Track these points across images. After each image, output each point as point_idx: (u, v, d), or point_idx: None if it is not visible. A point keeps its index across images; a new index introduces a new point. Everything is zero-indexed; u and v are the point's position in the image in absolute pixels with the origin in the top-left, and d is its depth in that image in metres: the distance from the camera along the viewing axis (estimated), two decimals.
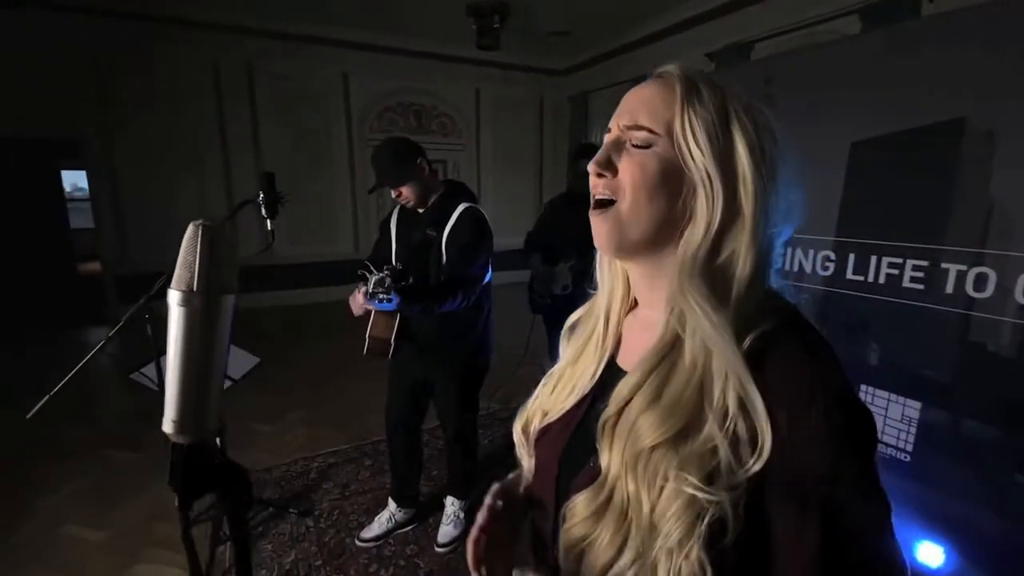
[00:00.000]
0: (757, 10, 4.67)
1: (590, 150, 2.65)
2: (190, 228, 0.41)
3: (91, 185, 5.87)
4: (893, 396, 2.17)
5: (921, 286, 2.04)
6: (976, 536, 1.92)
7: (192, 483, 0.44)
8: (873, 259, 2.18)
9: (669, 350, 0.51)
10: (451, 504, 2.20)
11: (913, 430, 2.10)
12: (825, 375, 0.46)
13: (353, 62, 6.39)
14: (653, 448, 0.46)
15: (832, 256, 2.33)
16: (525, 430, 0.68)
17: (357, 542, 2.12)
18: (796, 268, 2.47)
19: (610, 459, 0.49)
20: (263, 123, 6.14)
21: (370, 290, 1.43)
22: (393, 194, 1.88)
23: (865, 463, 0.46)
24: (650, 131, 0.53)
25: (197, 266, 0.40)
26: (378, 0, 5.09)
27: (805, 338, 0.49)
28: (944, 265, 1.96)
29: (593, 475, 0.51)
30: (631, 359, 0.57)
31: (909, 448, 2.11)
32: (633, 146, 0.54)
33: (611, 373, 0.60)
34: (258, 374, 2.25)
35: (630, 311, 0.64)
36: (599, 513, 0.48)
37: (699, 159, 0.51)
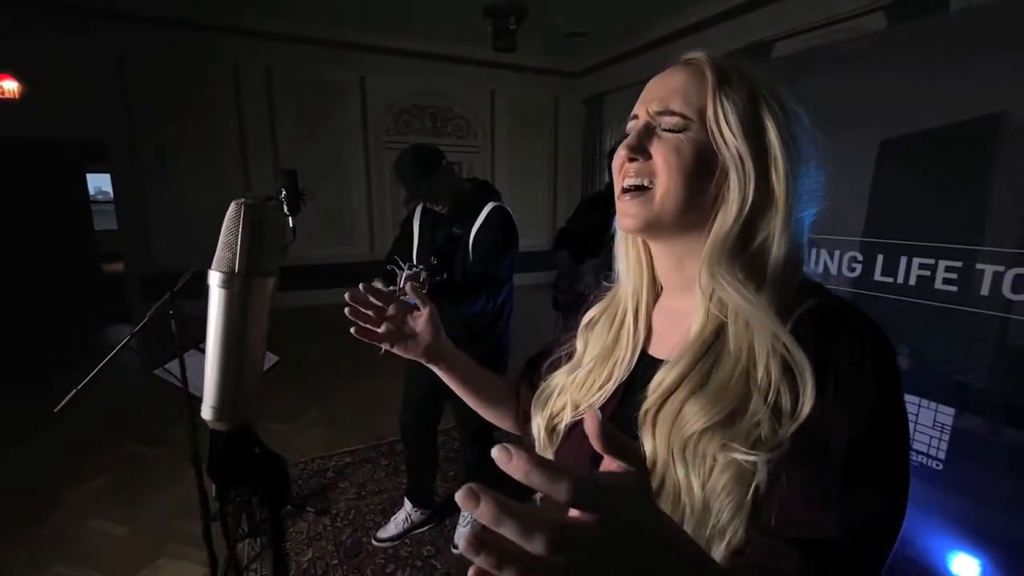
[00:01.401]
0: (777, 8, 4.60)
1: None
2: (232, 207, 0.40)
3: (116, 187, 6.00)
4: (924, 402, 2.10)
5: (954, 288, 1.97)
6: (1014, 548, 1.85)
7: (230, 472, 0.42)
8: (903, 260, 2.12)
9: (714, 339, 0.50)
10: None
11: (946, 437, 2.03)
12: (877, 348, 0.47)
13: (370, 65, 6.43)
14: (701, 433, 0.45)
15: (859, 257, 2.27)
16: (550, 427, 0.67)
17: (374, 542, 2.11)
18: (821, 269, 2.42)
19: (655, 447, 0.49)
20: (281, 125, 6.21)
21: (401, 283, 1.41)
22: (431, 206, 1.88)
23: (902, 435, 0.46)
24: (683, 116, 0.52)
25: (239, 247, 0.38)
26: (395, 3, 5.13)
27: (846, 312, 0.50)
28: (979, 266, 1.89)
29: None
30: (666, 349, 0.56)
31: (942, 456, 2.04)
32: (664, 130, 0.52)
33: (644, 364, 0.59)
34: (274, 374, 2.25)
35: (656, 301, 0.63)
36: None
37: (732, 143, 0.51)
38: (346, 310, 0.65)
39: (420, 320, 0.69)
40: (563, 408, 0.65)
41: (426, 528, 2.20)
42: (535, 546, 0.24)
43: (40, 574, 1.98)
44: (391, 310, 0.67)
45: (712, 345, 0.50)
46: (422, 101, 6.94)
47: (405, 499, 2.20)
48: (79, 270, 7.68)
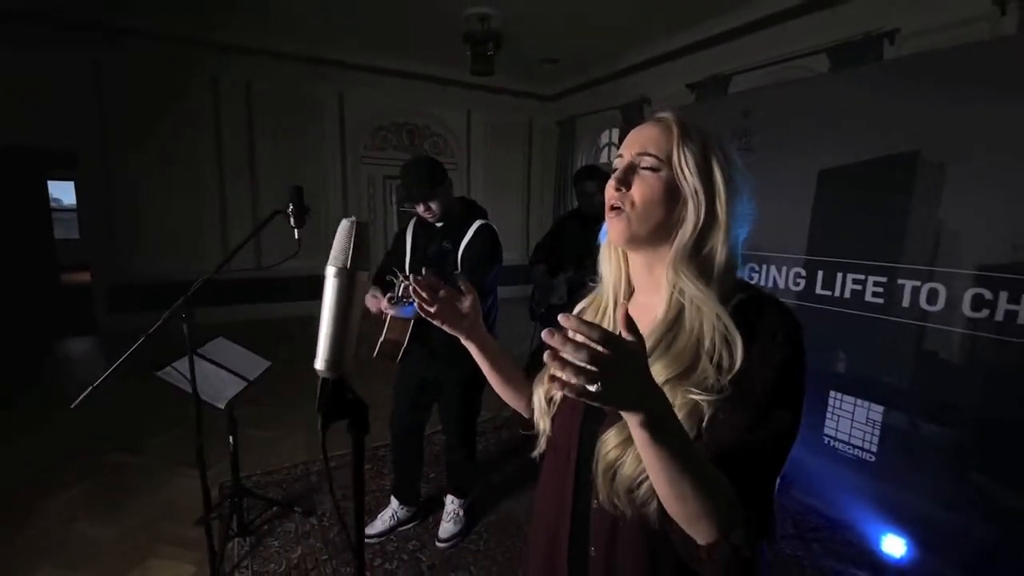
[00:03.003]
0: (735, 45, 5.01)
1: (592, 172, 2.89)
2: (345, 222, 0.56)
3: (84, 196, 5.91)
4: (859, 401, 2.37)
5: (881, 300, 2.26)
6: (934, 529, 2.11)
7: (332, 409, 0.58)
8: (839, 276, 2.41)
9: (675, 320, 0.68)
10: (451, 502, 2.31)
11: (877, 432, 2.30)
12: (786, 328, 0.65)
13: (349, 81, 6.57)
14: (665, 383, 0.63)
15: (803, 273, 2.55)
16: (547, 398, 0.84)
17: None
18: (771, 283, 2.69)
19: None
20: (259, 138, 6.26)
21: (398, 294, 1.56)
22: (420, 209, 2.02)
23: (798, 390, 0.64)
24: (656, 158, 0.71)
25: (350, 251, 0.55)
26: (375, 24, 5.31)
27: (768, 303, 0.69)
28: (900, 281, 2.19)
29: (617, 415, 0.67)
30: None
31: (874, 449, 2.31)
32: (643, 169, 0.72)
33: None
34: (258, 382, 2.33)
35: (631, 297, 0.82)
36: (627, 440, 0.64)
37: (691, 180, 0.70)
38: (411, 290, 0.81)
39: (466, 303, 0.86)
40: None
41: (411, 524, 2.32)
42: (581, 357, 0.44)
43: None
44: (443, 293, 0.83)
45: (673, 325, 0.69)
46: (400, 118, 7.11)
47: (392, 497, 2.32)
48: (39, 280, 7.44)
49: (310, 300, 6.74)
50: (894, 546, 2.15)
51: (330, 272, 0.55)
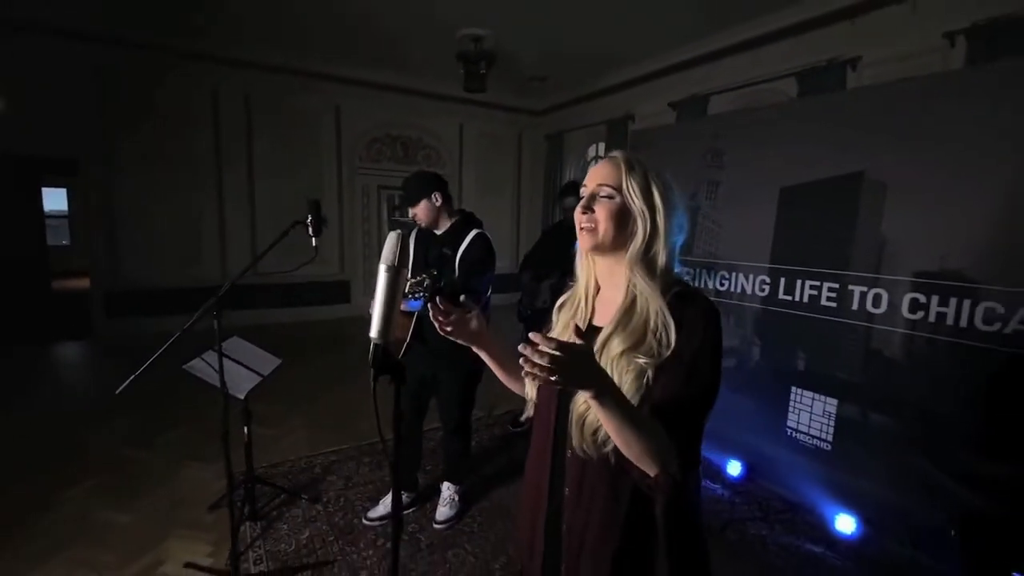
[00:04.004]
0: (713, 68, 5.33)
1: (573, 188, 3.20)
2: (392, 234, 0.78)
3: (82, 203, 6.03)
4: (818, 396, 2.63)
5: (835, 304, 2.53)
6: (880, 508, 2.36)
7: (381, 366, 0.78)
8: (799, 282, 2.67)
9: (630, 307, 0.91)
10: (447, 489, 2.51)
11: (832, 423, 2.56)
12: (707, 314, 0.88)
13: (345, 95, 6.80)
14: (621, 353, 0.86)
15: (767, 280, 2.82)
16: None
17: (364, 521, 2.40)
18: (739, 289, 2.95)
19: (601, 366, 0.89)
20: (258, 149, 6.44)
21: (407, 290, 1.76)
22: (410, 213, 2.30)
23: (717, 362, 0.87)
24: (611, 187, 0.94)
25: (396, 253, 0.77)
26: (371, 40, 5.55)
27: (696, 296, 0.92)
28: (851, 287, 2.46)
29: None
30: (603, 320, 0.98)
31: (830, 439, 2.56)
32: (602, 196, 0.95)
33: (591, 329, 1.00)
34: (268, 382, 2.52)
35: (597, 294, 1.05)
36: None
37: (637, 203, 0.93)
38: (431, 314, 1.01)
39: (473, 322, 1.06)
40: None
41: (411, 510, 2.51)
42: (544, 360, 0.65)
43: (53, 556, 2.16)
44: (455, 315, 1.04)
45: (629, 311, 0.91)
46: (394, 131, 7.35)
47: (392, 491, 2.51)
48: (32, 287, 7.50)
49: (310, 305, 6.94)
50: (845, 524, 2.39)
51: (382, 268, 0.77)
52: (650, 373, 0.85)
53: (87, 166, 5.66)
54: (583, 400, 0.88)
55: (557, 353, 0.66)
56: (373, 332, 0.77)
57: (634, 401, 0.83)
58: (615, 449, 0.82)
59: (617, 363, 0.86)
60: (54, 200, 10.55)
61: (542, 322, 1.13)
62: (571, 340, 0.71)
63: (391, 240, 0.78)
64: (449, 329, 1.03)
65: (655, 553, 0.88)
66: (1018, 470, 1.92)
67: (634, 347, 0.87)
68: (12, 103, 5.16)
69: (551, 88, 7.16)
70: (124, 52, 5.49)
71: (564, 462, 0.96)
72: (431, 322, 1.02)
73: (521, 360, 0.66)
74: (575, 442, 0.90)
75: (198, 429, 3.38)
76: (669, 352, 0.85)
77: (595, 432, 0.86)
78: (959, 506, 2.08)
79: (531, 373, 0.66)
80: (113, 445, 3.14)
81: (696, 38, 5.18)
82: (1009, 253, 1.97)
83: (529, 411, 1.09)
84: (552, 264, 3.11)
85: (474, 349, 1.09)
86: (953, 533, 2.05)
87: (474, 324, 1.06)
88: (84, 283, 8.57)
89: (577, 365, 0.69)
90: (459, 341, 1.06)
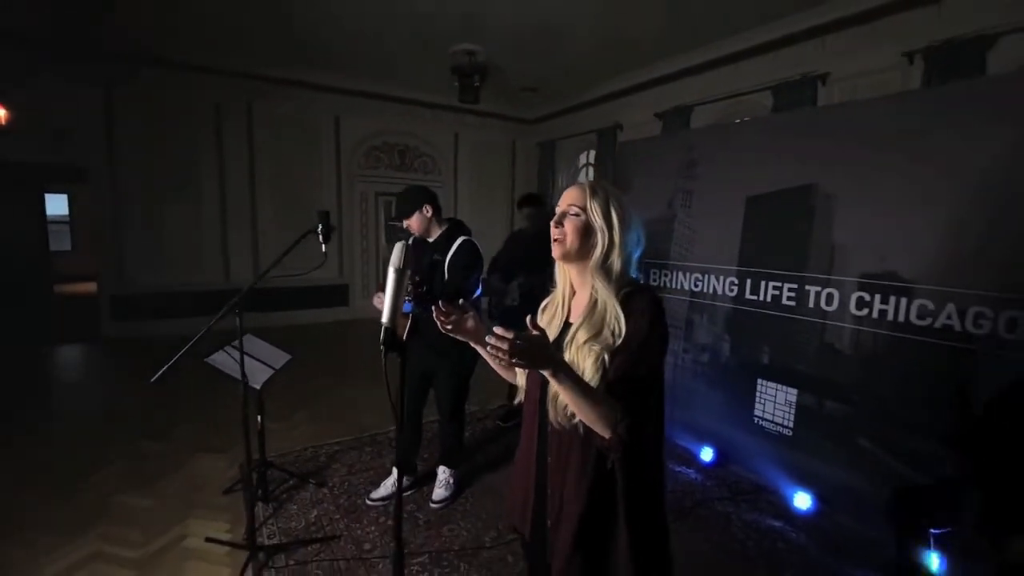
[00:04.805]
0: (696, 80, 5.62)
1: (531, 199, 3.63)
2: (399, 244, 1.03)
3: (89, 210, 6.23)
4: (780, 386, 2.88)
5: (794, 303, 2.79)
6: (833, 486, 2.61)
7: (389, 344, 1.02)
8: (763, 283, 2.94)
9: (593, 306, 1.14)
10: (443, 472, 2.75)
11: (792, 411, 2.81)
12: (650, 306, 1.10)
13: (345, 106, 7.05)
14: (584, 342, 1.09)
15: (736, 281, 3.08)
16: None
17: (368, 501, 2.63)
18: (711, 290, 3.21)
19: (570, 356, 1.12)
20: (259, 157, 6.68)
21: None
22: (404, 223, 2.54)
23: (659, 345, 1.10)
24: (579, 207, 1.18)
25: (403, 258, 1.01)
26: (370, 53, 5.80)
27: (642, 292, 1.14)
28: (807, 287, 2.72)
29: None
30: (576, 318, 1.21)
31: (791, 425, 2.82)
32: (571, 215, 1.18)
33: (567, 325, 1.23)
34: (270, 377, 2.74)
35: (572, 296, 1.29)
36: None
37: (599, 220, 1.16)
38: (437, 317, 1.18)
39: (470, 319, 1.25)
40: None
41: (410, 491, 2.74)
42: (507, 346, 0.88)
43: (83, 534, 2.38)
44: (454, 316, 1.22)
45: (592, 308, 1.13)
46: (392, 139, 7.60)
47: (394, 468, 2.75)
48: (36, 291, 7.71)
49: (309, 308, 7.16)
50: (802, 501, 2.64)
51: (391, 270, 1.01)
52: (605, 356, 1.05)
53: (96, 174, 5.88)
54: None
55: (517, 341, 0.87)
56: (384, 318, 1.01)
57: (595, 380, 1.04)
58: (582, 421, 1.04)
59: (580, 350, 1.09)
60: (54, 205, 10.72)
61: (512, 318, 1.36)
62: (534, 333, 0.93)
63: (398, 248, 1.03)
64: (450, 327, 1.19)
65: (616, 520, 1.07)
66: (940, 444, 2.18)
67: (594, 337, 1.08)
68: (26, 114, 5.38)
69: (543, 98, 7.44)
70: (131, 66, 5.72)
71: (547, 435, 1.17)
72: (426, 322, 1.20)
73: (488, 348, 0.89)
74: (551, 416, 1.11)
75: (208, 423, 3.60)
76: (621, 340, 1.06)
77: (565, 407, 1.07)
78: (894, 478, 2.34)
79: (496, 357, 0.89)
80: (129, 438, 3.36)
81: (680, 52, 5.47)
82: (937, 257, 2.23)
83: (520, 396, 1.31)
84: (518, 266, 3.40)
85: (471, 344, 1.25)
86: (887, 502, 2.31)
87: (470, 323, 1.23)
88: (85, 288, 8.79)
89: (533, 350, 0.90)
90: (458, 338, 1.22)
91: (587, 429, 1.04)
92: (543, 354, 0.93)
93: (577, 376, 0.99)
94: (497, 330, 0.90)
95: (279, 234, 6.72)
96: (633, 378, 1.05)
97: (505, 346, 0.87)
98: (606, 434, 1.01)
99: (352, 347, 6.06)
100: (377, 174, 7.54)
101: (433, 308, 1.15)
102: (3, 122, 5.39)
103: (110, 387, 4.44)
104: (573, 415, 1.06)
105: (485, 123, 8.09)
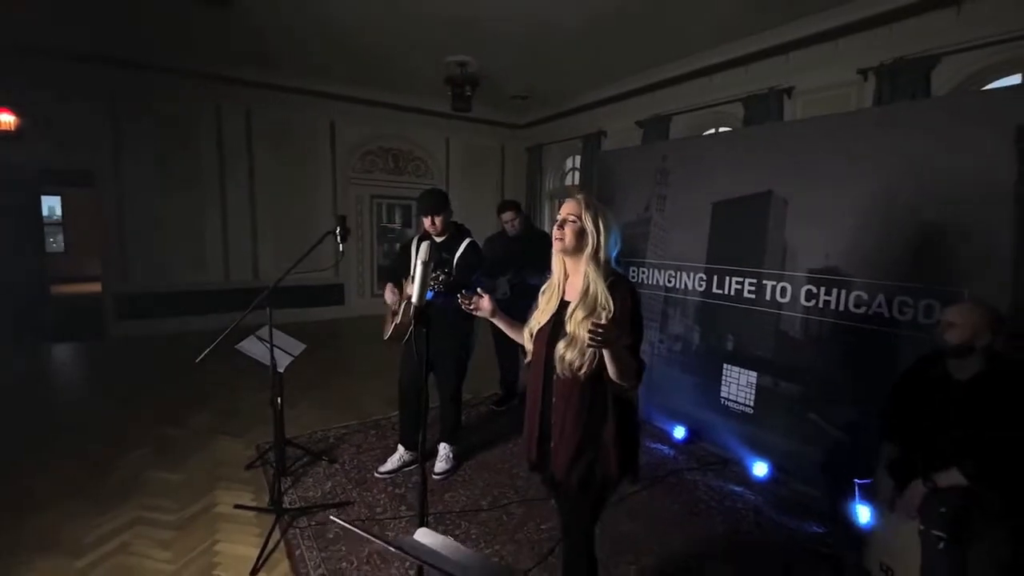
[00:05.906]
0: (673, 91, 6.00)
1: (508, 205, 4.04)
2: (424, 244, 1.35)
3: (95, 212, 6.41)
4: (743, 370, 3.24)
5: (754, 295, 3.15)
6: (786, 455, 2.98)
7: (419, 318, 1.34)
8: (727, 279, 3.30)
9: (587, 289, 1.48)
10: (443, 448, 3.07)
11: (753, 392, 3.18)
12: (629, 288, 1.46)
13: (340, 111, 7.33)
14: (582, 319, 1.42)
15: (704, 277, 3.44)
16: (531, 332, 1.63)
17: (376, 474, 2.94)
18: (683, 286, 3.57)
19: (572, 328, 1.46)
20: (258, 162, 6.93)
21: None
22: (427, 222, 2.83)
23: (638, 323, 1.46)
24: (575, 216, 1.52)
25: (429, 253, 1.34)
26: (365, 62, 6.09)
27: (624, 280, 1.49)
28: (764, 282, 3.08)
29: (565, 334, 1.46)
30: (570, 297, 1.55)
31: (752, 404, 3.18)
32: (569, 221, 1.52)
33: (563, 305, 1.57)
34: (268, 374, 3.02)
35: (566, 280, 1.62)
36: (571, 345, 1.42)
37: (590, 226, 1.51)
38: (461, 301, 1.56)
39: (487, 302, 1.61)
40: (536, 323, 1.62)
41: (414, 465, 3.06)
42: (604, 330, 1.22)
43: (123, 503, 2.66)
44: (475, 300, 1.59)
45: (587, 292, 1.47)
46: (385, 144, 7.89)
47: (399, 445, 3.06)
48: (30, 292, 7.85)
49: (308, 307, 7.42)
50: (760, 469, 3.01)
51: (418, 263, 1.34)
52: None
53: (101, 177, 6.09)
54: (562, 344, 1.45)
55: (608, 329, 1.21)
56: (415, 299, 1.34)
57: (591, 353, 1.39)
58: (584, 373, 1.40)
59: (580, 324, 1.42)
60: (46, 208, 10.81)
61: (504, 309, 1.70)
62: (602, 322, 1.26)
63: (425, 247, 1.35)
64: (473, 308, 1.60)
65: (606, 421, 1.46)
66: (872, 415, 2.55)
67: (589, 314, 1.42)
68: (35, 119, 5.58)
69: (532, 105, 7.79)
70: (136, 73, 5.94)
71: (552, 381, 1.52)
72: (433, 312, 1.53)
73: (589, 332, 1.20)
74: (558, 369, 1.46)
75: (223, 411, 3.88)
76: (612, 317, 1.40)
77: (571, 364, 1.42)
78: (832, 443, 2.72)
79: (594, 340, 1.20)
80: (151, 425, 3.62)
81: (658, 64, 5.85)
82: (867, 253, 2.61)
83: (528, 357, 1.65)
84: (504, 264, 3.77)
85: (491, 320, 1.66)
86: (823, 464, 2.68)
87: (487, 304, 1.64)
88: (79, 288, 8.93)
89: (612, 336, 1.23)
90: (479, 315, 1.63)
91: (588, 377, 1.41)
92: (615, 339, 1.27)
93: (623, 350, 1.35)
94: (595, 322, 1.24)
95: (278, 235, 6.98)
96: (633, 340, 1.44)
97: (602, 330, 1.20)
98: (628, 383, 1.38)
99: (349, 343, 6.34)
100: (372, 177, 7.83)
101: (460, 295, 1.50)
102: (12, 128, 5.61)
103: (122, 382, 4.68)
104: (574, 369, 1.42)
105: (476, 128, 8.41)
